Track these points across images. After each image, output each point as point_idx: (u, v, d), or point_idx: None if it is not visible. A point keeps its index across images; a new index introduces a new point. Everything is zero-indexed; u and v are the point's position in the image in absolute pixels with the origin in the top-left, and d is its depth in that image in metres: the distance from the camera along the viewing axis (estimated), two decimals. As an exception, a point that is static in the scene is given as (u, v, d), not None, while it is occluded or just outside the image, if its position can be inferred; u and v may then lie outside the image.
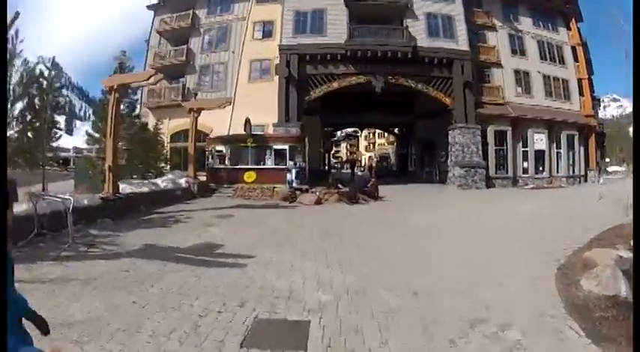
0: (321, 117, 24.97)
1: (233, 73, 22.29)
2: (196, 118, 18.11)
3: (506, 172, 22.51)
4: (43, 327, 1.89)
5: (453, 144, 20.87)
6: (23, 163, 11.25)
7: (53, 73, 13.76)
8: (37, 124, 13.32)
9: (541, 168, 23.99)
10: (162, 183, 16.21)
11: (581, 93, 26.92)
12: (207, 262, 5.93)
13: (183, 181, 17.25)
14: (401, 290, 4.60)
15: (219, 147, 19.05)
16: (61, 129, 18.84)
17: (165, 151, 20.96)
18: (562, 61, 26.46)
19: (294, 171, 16.73)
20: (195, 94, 20.67)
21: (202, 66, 23.27)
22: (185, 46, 23.70)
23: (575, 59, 27.24)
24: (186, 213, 11.96)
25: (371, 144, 74.87)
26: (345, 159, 73.61)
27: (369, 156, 68.38)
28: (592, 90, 29.26)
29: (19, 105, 12.35)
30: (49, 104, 13.51)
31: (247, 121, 18.14)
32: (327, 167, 46.07)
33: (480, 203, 15.18)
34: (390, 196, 16.49)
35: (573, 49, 27.39)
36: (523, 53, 24.72)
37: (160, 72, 24.92)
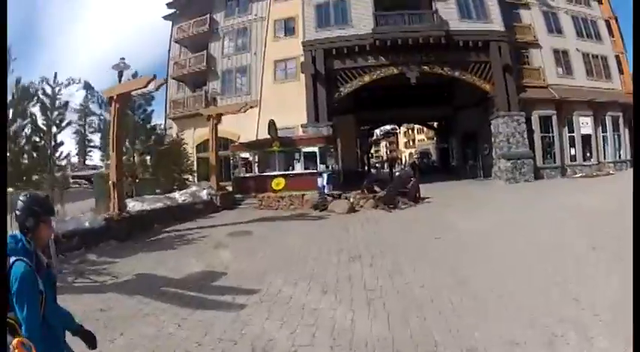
0: (355, 116, 22.83)
1: (257, 76, 20.38)
2: (216, 125, 16.38)
3: (554, 161, 19.84)
4: (90, 341, 1.91)
5: (497, 134, 18.38)
6: (23, 185, 9.74)
7: (56, 89, 12.23)
8: (41, 144, 11.87)
9: (588, 155, 21.21)
10: (180, 197, 14.51)
11: (620, 71, 23.94)
12: (199, 300, 4.76)
13: (204, 194, 15.47)
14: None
15: (244, 154, 17.15)
16: (95, 147, 17.66)
17: (189, 162, 19.17)
18: (598, 37, 23.55)
19: (325, 175, 14.67)
20: (215, 99, 18.82)
21: (224, 71, 21.44)
22: (205, 52, 21.87)
23: (610, 34, 24.28)
24: (201, 231, 10.38)
25: (410, 141, 70.26)
26: (385, 158, 70.52)
27: (410, 153, 64.43)
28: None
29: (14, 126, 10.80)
30: (53, 123, 12.04)
31: (271, 124, 16.15)
32: (366, 168, 43.53)
33: (536, 199, 12.73)
34: (432, 197, 14.29)
35: (607, 23, 24.40)
36: (559, 31, 21.93)
37: (181, 81, 23.44)
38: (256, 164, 17.16)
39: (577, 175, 20.03)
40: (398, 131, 67.10)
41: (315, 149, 15.78)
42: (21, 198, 1.78)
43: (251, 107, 17.21)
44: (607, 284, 4.31)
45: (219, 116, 16.71)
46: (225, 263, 6.58)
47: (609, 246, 5.87)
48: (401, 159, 68.16)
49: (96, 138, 34.25)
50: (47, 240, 1.81)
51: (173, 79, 22.86)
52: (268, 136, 16.74)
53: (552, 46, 21.31)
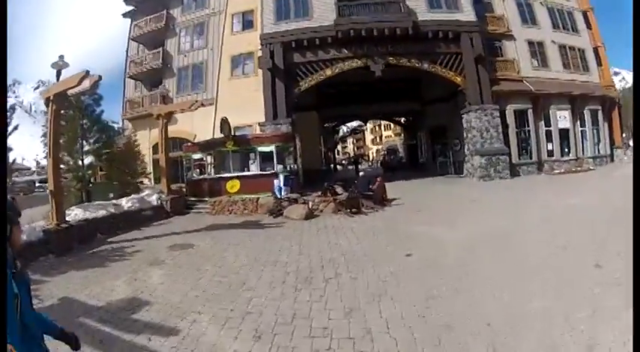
0: (318, 112, 20.83)
1: (214, 72, 18.27)
2: (166, 124, 14.35)
3: (530, 157, 18.07)
4: (74, 342, 1.92)
5: (469, 129, 16.53)
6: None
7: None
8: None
9: (566, 150, 19.51)
10: (126, 203, 12.44)
11: (598, 63, 22.36)
12: (111, 339, 3.78)
13: (154, 198, 13.49)
14: None
15: (197, 155, 15.04)
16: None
17: (143, 164, 17.03)
18: (575, 29, 21.92)
19: (281, 176, 12.69)
20: (165, 97, 16.68)
21: (180, 68, 19.29)
22: (161, 49, 19.72)
23: (588, 26, 22.69)
24: (140, 243, 8.74)
25: (377, 137, 67.93)
26: (352, 155, 68.49)
27: (377, 150, 61.98)
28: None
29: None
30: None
31: (224, 121, 14.11)
32: (333, 165, 41.15)
33: (518, 200, 10.93)
34: (401, 197, 12.42)
35: (584, 14, 22.82)
36: (534, 22, 20.21)
37: (138, 80, 21.25)
38: (210, 165, 15.11)
39: (555, 171, 18.32)
40: (365, 128, 64.69)
41: (272, 148, 13.73)
42: None
43: (202, 105, 15.15)
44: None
45: (168, 115, 14.64)
46: (154, 287, 5.36)
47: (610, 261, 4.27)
48: (368, 156, 66.30)
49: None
50: (20, 243, 1.76)
51: (129, 77, 20.69)
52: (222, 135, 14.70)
53: (527, 38, 19.59)
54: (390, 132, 60.21)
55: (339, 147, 72.98)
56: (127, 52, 22.14)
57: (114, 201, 12.63)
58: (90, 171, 16.43)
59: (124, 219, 11.29)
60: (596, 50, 22.63)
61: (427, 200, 12.03)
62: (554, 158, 18.81)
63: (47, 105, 9.95)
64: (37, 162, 42.31)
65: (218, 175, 14.48)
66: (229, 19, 18.58)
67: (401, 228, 8.22)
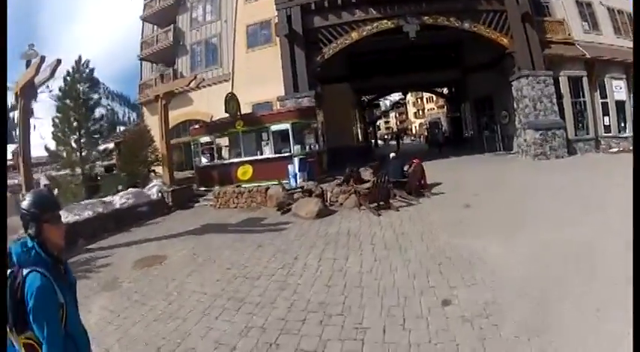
0: (351, 84, 17.85)
1: (228, 45, 15.52)
2: (165, 105, 11.79)
3: (587, 132, 14.63)
4: None
5: (520, 98, 13.28)
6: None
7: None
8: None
9: (623, 125, 15.95)
10: (120, 199, 9.99)
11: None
12: None
13: (154, 191, 10.98)
14: None
15: (205, 139, 12.33)
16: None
17: (155, 152, 14.48)
18: (620, -9, 18.12)
19: (296, 160, 9.87)
20: (163, 76, 14.16)
21: (193, 43, 16.58)
22: (172, 27, 17.10)
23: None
24: (118, 251, 6.63)
25: (420, 111, 61.31)
26: (395, 129, 64.07)
27: (420, 124, 56.08)
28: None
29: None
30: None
31: (229, 98, 11.40)
32: (374, 141, 36.56)
33: (601, 188, 7.43)
34: (444, 182, 9.42)
35: (627, -24, 18.97)
36: (580, -20, 16.60)
37: (153, 61, 18.73)
38: (219, 149, 12.45)
39: (614, 149, 14.87)
40: (407, 101, 59.01)
41: (287, 126, 10.84)
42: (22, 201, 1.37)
43: (204, 80, 12.54)
44: None
45: (167, 95, 12.11)
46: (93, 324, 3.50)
47: None
48: (411, 130, 61.33)
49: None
50: (62, 240, 1.40)
51: (142, 59, 18.20)
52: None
53: (574, -3, 16.05)
54: (432, 105, 54.45)
55: (381, 121, 68.87)
56: (142, 34, 19.66)
57: (105, 199, 10.18)
58: (94, 163, 14.12)
59: (115, 218, 9.10)
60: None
61: (477, 187, 8.82)
62: (611, 134, 15.29)
63: (17, 101, 8.53)
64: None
65: (229, 161, 11.78)
66: (243, -13, 15.75)
67: (442, 238, 5.21)
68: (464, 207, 6.97)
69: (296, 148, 10.75)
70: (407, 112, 66.03)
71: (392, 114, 67.92)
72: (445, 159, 14.09)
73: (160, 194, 11.19)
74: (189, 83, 12.19)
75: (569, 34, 14.92)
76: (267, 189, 9.70)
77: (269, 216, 8.24)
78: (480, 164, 13.01)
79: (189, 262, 5.49)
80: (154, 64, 18.09)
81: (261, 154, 11.31)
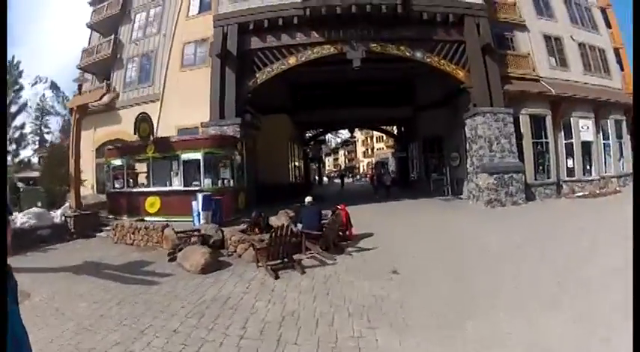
0: (291, 116, 15.71)
1: (163, 62, 13.36)
2: (78, 120, 9.63)
3: (548, 176, 12.76)
4: None
5: (474, 138, 11.36)
6: None
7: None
8: None
9: (588, 167, 14.15)
10: (21, 218, 8.72)
11: (620, 67, 17.00)
12: None
13: (58, 214, 9.00)
14: None
15: (117, 162, 10.14)
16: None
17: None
18: (594, 26, 16.60)
19: (200, 197, 7.75)
20: (81, 86, 12.09)
21: (130, 57, 14.39)
22: (112, 37, 14.93)
23: (607, 24, 17.35)
24: None
25: (369, 150, 57.93)
26: (343, 167, 61.82)
27: (368, 163, 53.78)
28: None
29: None
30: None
31: (142, 119, 9.34)
32: (318, 178, 35.46)
33: (560, 241, 5.86)
34: (375, 232, 7.48)
35: (602, 11, 17.50)
36: (550, 14, 14.95)
37: (91, 73, 16.51)
38: (136, 175, 10.37)
39: (577, 194, 13.04)
40: (356, 139, 56.65)
41: (199, 155, 8.74)
42: None
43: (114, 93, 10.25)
44: None
45: (81, 108, 9.95)
46: None
47: None
48: (359, 169, 58.88)
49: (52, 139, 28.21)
50: (9, 241, 1.41)
51: (80, 68, 15.95)
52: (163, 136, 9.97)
53: (542, 31, 14.33)
54: (382, 145, 50.55)
55: (330, 158, 66.68)
56: (89, 42, 17.44)
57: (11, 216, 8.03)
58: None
59: (13, 238, 6.71)
60: (617, 51, 17.31)
61: (414, 242, 6.88)
62: (574, 177, 13.49)
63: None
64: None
65: (137, 189, 9.63)
66: (186, 1, 13.68)
67: (346, 329, 3.33)
68: (390, 273, 4.98)
69: (206, 182, 8.75)
70: (356, 151, 63.41)
71: (341, 152, 65.59)
72: (386, 203, 12.09)
73: (63, 218, 9.21)
74: (101, 98, 10.14)
75: (533, 70, 13.13)
76: (164, 227, 7.58)
77: (156, 261, 6.41)
78: (424, 210, 10.95)
79: (44, 309, 4.35)
80: (94, 76, 15.84)
81: (170, 185, 9.20)
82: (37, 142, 29.64)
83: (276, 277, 5.11)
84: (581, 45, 15.42)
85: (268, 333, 3.30)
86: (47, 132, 30.98)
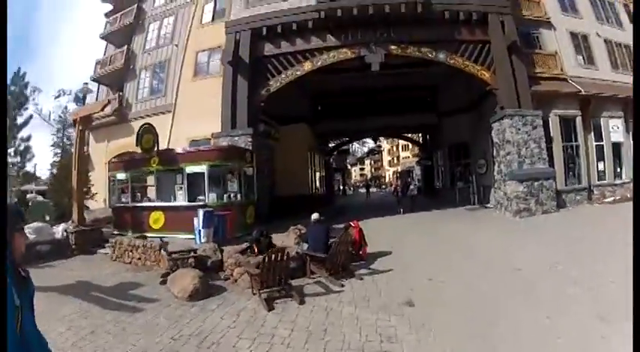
0: (312, 126, 14.94)
1: (176, 72, 12.83)
2: (82, 131, 9.14)
3: (579, 181, 11.73)
4: None
5: (502, 143, 10.45)
6: None
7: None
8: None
9: (619, 170, 13.04)
10: None
11: (644, 64, 15.72)
12: None
13: (59, 230, 8.69)
14: None
15: (122, 175, 9.58)
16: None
17: (88, 183, 11.90)
18: (619, 22, 15.40)
19: (200, 213, 7.07)
20: (84, 97, 11.71)
21: (142, 68, 13.93)
22: (125, 48, 14.52)
23: (630, 20, 16.14)
24: None
25: (395, 158, 55.02)
26: (369, 177, 60.10)
27: (393, 172, 51.22)
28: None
29: None
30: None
31: (145, 130, 8.73)
32: (342, 189, 34.19)
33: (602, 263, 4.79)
34: (393, 254, 6.64)
35: (625, 7, 16.28)
36: (575, 10, 13.89)
37: (105, 84, 16.15)
38: (144, 188, 9.84)
39: (608, 199, 11.96)
40: (382, 148, 54.93)
41: (204, 168, 8.11)
42: None
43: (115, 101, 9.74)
44: None
45: (84, 119, 9.44)
46: None
47: None
48: (384, 178, 57.42)
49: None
50: (21, 251, 1.35)
51: (93, 80, 15.59)
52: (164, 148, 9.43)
53: (568, 28, 13.29)
54: (407, 153, 47.86)
55: (356, 168, 65.28)
56: (104, 53, 17.11)
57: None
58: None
59: None
60: (642, 48, 16.06)
61: (434, 260, 6.08)
62: (605, 181, 12.41)
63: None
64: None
65: (141, 204, 9.06)
66: (200, 9, 13.15)
67: None
68: (403, 306, 4.19)
69: (211, 196, 8.10)
70: (382, 160, 61.25)
71: (367, 162, 63.71)
72: (409, 215, 11.22)
73: (64, 233, 8.70)
74: (103, 108, 9.62)
75: (561, 69, 12.12)
76: (161, 246, 6.95)
77: (148, 284, 5.80)
78: (447, 223, 10.00)
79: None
80: (108, 88, 15.46)
81: (175, 200, 8.59)
82: (59, 155, 29.78)
83: (270, 308, 4.37)
84: (607, 42, 14.34)
85: None
86: (69, 144, 31.17)
